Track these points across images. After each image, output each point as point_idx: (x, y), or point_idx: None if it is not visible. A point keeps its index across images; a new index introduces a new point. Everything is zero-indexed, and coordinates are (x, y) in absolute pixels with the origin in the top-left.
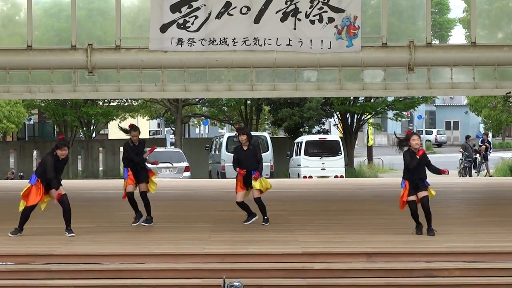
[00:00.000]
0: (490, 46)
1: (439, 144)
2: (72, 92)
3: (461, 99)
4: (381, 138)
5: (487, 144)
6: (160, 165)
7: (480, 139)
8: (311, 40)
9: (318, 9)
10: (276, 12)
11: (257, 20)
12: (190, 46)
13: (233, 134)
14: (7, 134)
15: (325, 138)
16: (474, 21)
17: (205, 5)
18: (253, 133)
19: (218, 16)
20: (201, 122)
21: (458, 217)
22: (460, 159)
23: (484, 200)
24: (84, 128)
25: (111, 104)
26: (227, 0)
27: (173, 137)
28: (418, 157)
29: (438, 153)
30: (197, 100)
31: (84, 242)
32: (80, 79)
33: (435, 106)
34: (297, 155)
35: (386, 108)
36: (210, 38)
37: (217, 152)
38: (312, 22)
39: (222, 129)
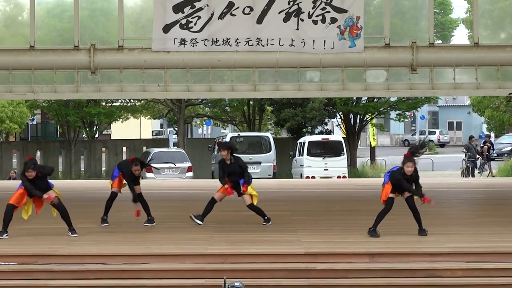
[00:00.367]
0: (493, 47)
1: (442, 145)
2: (74, 93)
3: (464, 99)
4: (384, 139)
5: (488, 144)
6: (163, 165)
7: (483, 140)
8: (313, 41)
9: (320, 9)
10: (279, 13)
11: (259, 21)
12: (193, 46)
13: (235, 134)
14: (10, 135)
15: (328, 139)
16: (477, 21)
17: (207, 6)
18: (256, 134)
19: (221, 16)
20: (204, 123)
21: (461, 217)
22: (463, 159)
23: (487, 201)
24: (87, 129)
25: (114, 104)
26: (230, 1)
27: (176, 138)
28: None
29: (441, 154)
30: (200, 100)
31: (86, 243)
32: (83, 80)
33: (437, 106)
34: (299, 156)
35: (388, 108)
36: (212, 39)
37: (219, 152)
38: (315, 22)
39: (225, 129)
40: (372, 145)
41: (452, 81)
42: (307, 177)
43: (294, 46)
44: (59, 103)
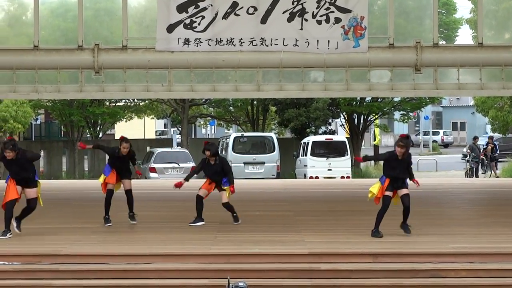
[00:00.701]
0: (497, 47)
1: (446, 145)
2: (78, 92)
3: (468, 99)
4: (387, 139)
5: (491, 145)
6: (167, 165)
7: (485, 141)
8: (317, 41)
9: (325, 9)
10: (283, 13)
11: (263, 21)
12: (197, 46)
13: (239, 134)
14: (14, 134)
15: (332, 139)
16: (481, 21)
17: (211, 5)
18: (259, 134)
19: (225, 16)
20: (208, 123)
21: (464, 217)
22: (462, 159)
23: (491, 201)
24: (91, 128)
25: (118, 104)
26: (234, 0)
27: (180, 137)
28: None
29: (445, 154)
30: (203, 100)
31: (90, 242)
32: (87, 79)
33: (441, 106)
34: (303, 156)
35: (392, 108)
36: (216, 38)
37: (223, 152)
38: (319, 22)
39: (229, 129)
40: (376, 144)
41: (456, 81)
42: (311, 177)
43: (298, 46)
44: (63, 103)
